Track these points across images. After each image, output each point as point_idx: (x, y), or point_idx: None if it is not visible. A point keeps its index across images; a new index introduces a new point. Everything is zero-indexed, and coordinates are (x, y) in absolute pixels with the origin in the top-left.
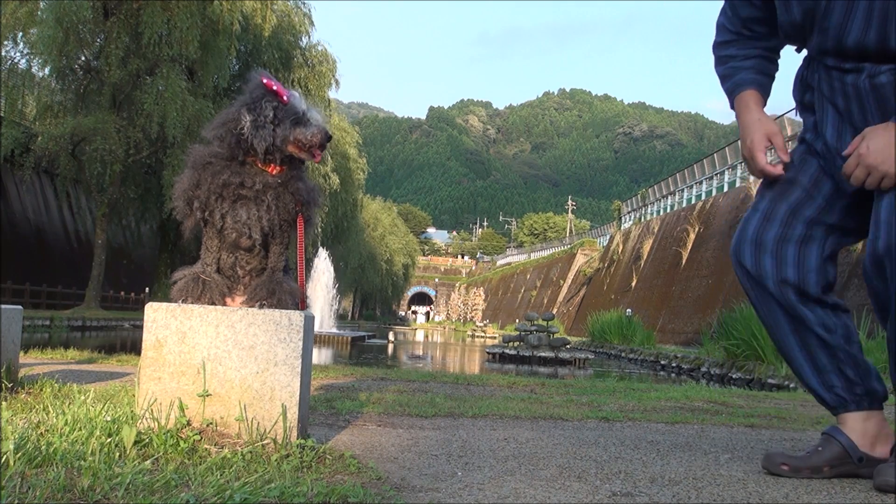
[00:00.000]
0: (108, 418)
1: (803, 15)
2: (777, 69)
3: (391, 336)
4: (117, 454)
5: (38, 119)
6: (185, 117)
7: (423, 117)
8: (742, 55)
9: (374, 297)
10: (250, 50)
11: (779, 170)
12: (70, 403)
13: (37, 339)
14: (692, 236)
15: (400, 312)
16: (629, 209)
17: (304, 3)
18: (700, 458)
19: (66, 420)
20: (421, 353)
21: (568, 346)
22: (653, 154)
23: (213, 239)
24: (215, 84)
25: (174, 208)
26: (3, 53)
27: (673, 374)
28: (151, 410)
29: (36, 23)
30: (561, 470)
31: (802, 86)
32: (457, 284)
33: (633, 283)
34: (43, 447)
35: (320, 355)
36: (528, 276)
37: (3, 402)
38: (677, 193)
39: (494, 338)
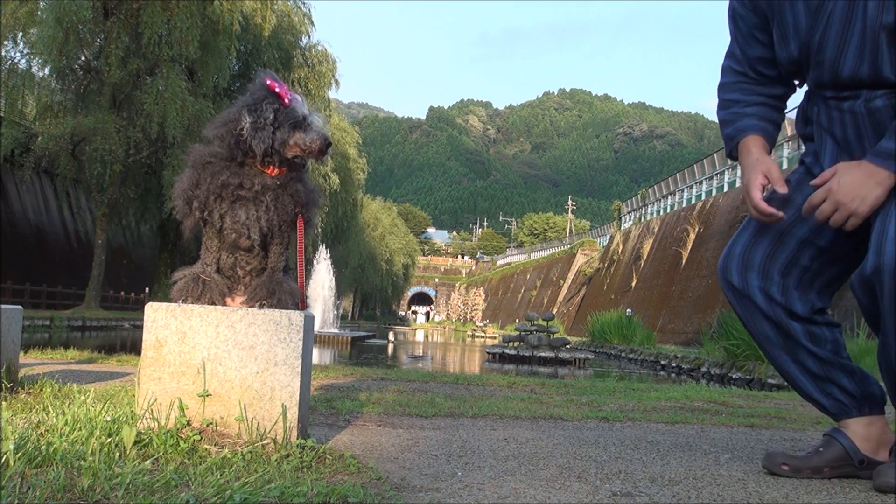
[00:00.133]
0: (108, 418)
1: (800, 50)
2: (783, 119)
3: (391, 336)
4: (117, 454)
5: (38, 119)
6: (185, 117)
7: (423, 117)
8: (747, 101)
9: (374, 297)
10: (250, 50)
11: (772, 210)
12: (70, 403)
13: (37, 339)
14: (692, 236)
15: (400, 312)
16: (629, 209)
17: (304, 3)
18: (700, 458)
19: (66, 420)
20: (421, 353)
21: (568, 346)
22: (653, 154)
23: (212, 239)
24: (215, 84)
25: (174, 208)
26: (3, 53)
27: (673, 374)
28: (151, 410)
29: (36, 23)
30: (561, 470)
31: (804, 119)
32: (457, 284)
33: (633, 283)
34: (43, 447)
35: (320, 355)
36: (528, 277)
37: (3, 402)
38: (677, 193)
39: (494, 338)
